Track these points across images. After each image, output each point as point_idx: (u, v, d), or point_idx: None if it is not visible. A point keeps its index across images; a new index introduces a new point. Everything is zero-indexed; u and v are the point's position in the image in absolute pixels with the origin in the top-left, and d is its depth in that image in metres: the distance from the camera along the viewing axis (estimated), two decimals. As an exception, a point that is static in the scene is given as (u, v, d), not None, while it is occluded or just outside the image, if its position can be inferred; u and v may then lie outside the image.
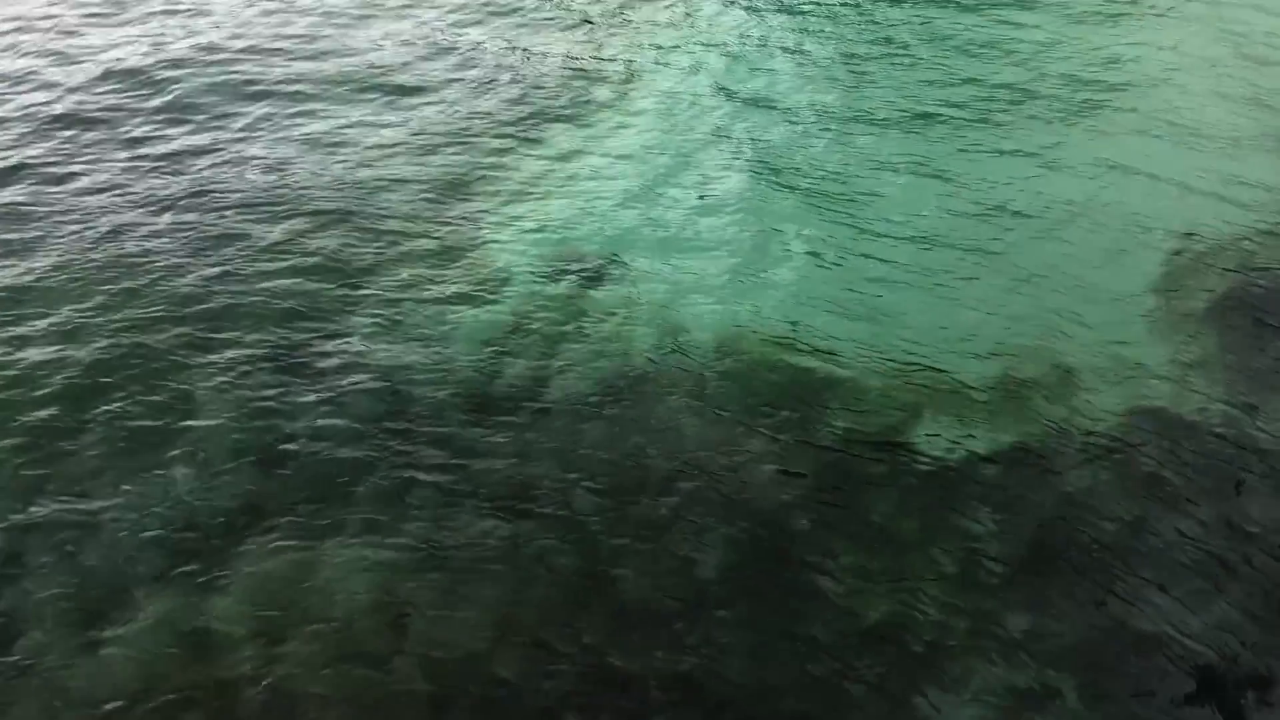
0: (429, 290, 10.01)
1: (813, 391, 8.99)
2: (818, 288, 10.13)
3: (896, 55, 14.42)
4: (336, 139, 12.47)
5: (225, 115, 12.88)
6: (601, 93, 13.51)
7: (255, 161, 12.00)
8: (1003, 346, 9.47)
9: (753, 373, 9.16)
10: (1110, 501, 8.04)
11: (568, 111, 13.06)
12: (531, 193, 11.50)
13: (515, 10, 15.79)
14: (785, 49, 14.61)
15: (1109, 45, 14.59)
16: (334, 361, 9.15)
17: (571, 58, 14.36)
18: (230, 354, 9.18)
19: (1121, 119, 12.94)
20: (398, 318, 9.68)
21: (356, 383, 8.92)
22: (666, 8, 15.83)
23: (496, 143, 12.39)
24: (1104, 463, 8.36)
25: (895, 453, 8.43)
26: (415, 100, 13.28)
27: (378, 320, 9.63)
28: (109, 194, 11.32)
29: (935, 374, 9.18)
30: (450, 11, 15.79)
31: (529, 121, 12.82)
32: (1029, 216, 11.16)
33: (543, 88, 13.57)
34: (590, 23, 15.41)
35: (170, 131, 12.53)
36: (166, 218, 10.96)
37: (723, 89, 13.60)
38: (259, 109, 12.99)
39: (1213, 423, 8.74)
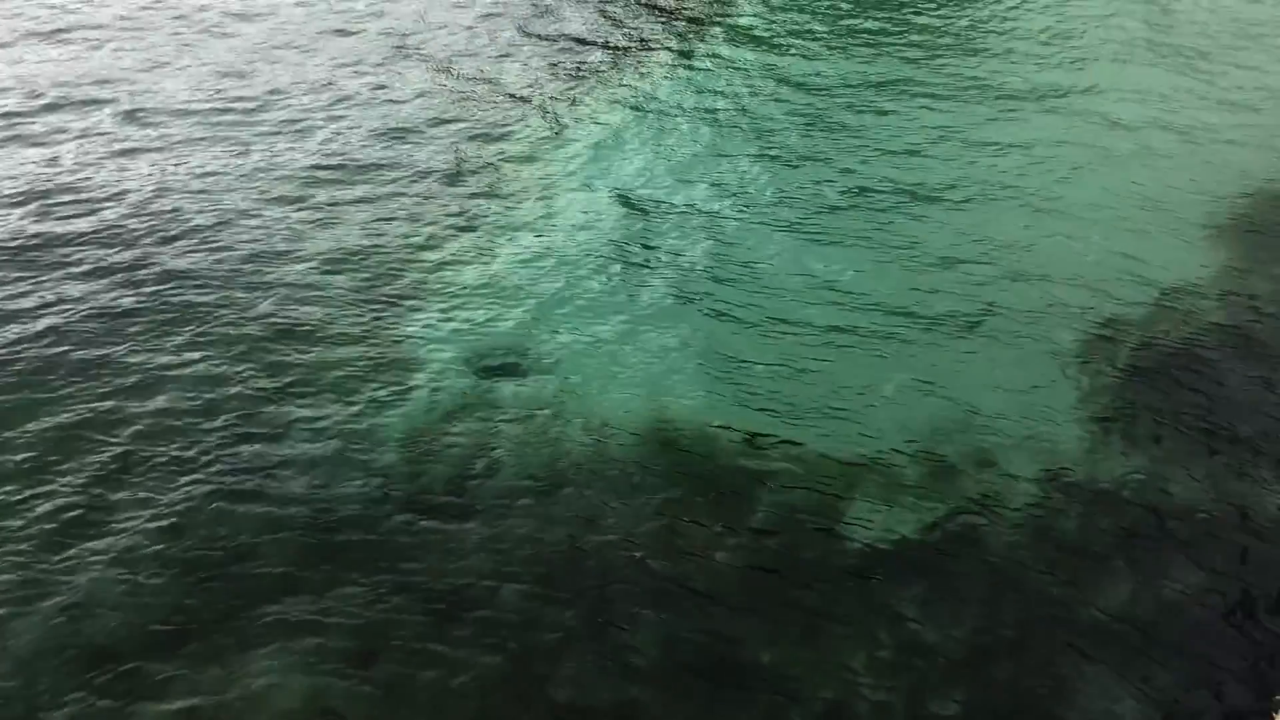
0: (351, 389, 9.85)
1: (739, 478, 9.01)
2: (740, 374, 10.19)
3: (813, 146, 14.55)
4: (250, 232, 12.16)
5: (133, 211, 12.35)
6: (522, 186, 13.38)
7: (162, 253, 11.64)
8: (924, 426, 9.59)
9: (680, 462, 9.16)
10: (1037, 575, 8.16)
11: (488, 206, 12.91)
12: (452, 288, 11.37)
13: (433, 100, 15.40)
14: (701, 145, 14.63)
15: (1020, 130, 15.02)
16: (255, 463, 8.96)
17: (490, 151, 14.18)
18: (149, 458, 8.94)
19: (1027, 198, 13.23)
20: (320, 416, 9.49)
21: (279, 485, 8.75)
22: (587, 102, 15.67)
23: (416, 238, 12.22)
24: (1028, 536, 8.50)
25: (824, 536, 8.46)
26: (333, 191, 13.03)
27: (299, 420, 9.44)
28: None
29: (859, 455, 9.26)
30: (371, 105, 15.27)
31: (449, 216, 12.65)
32: (943, 296, 11.32)
33: (463, 183, 13.40)
34: (508, 115, 15.15)
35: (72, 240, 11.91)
36: (81, 308, 10.62)
37: (640, 182, 13.56)
38: (164, 201, 12.52)
39: (1130, 490, 8.96)
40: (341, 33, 17.87)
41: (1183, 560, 8.31)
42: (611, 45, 17.64)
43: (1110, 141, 14.82)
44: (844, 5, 19.39)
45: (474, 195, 13.08)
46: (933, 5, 19.43)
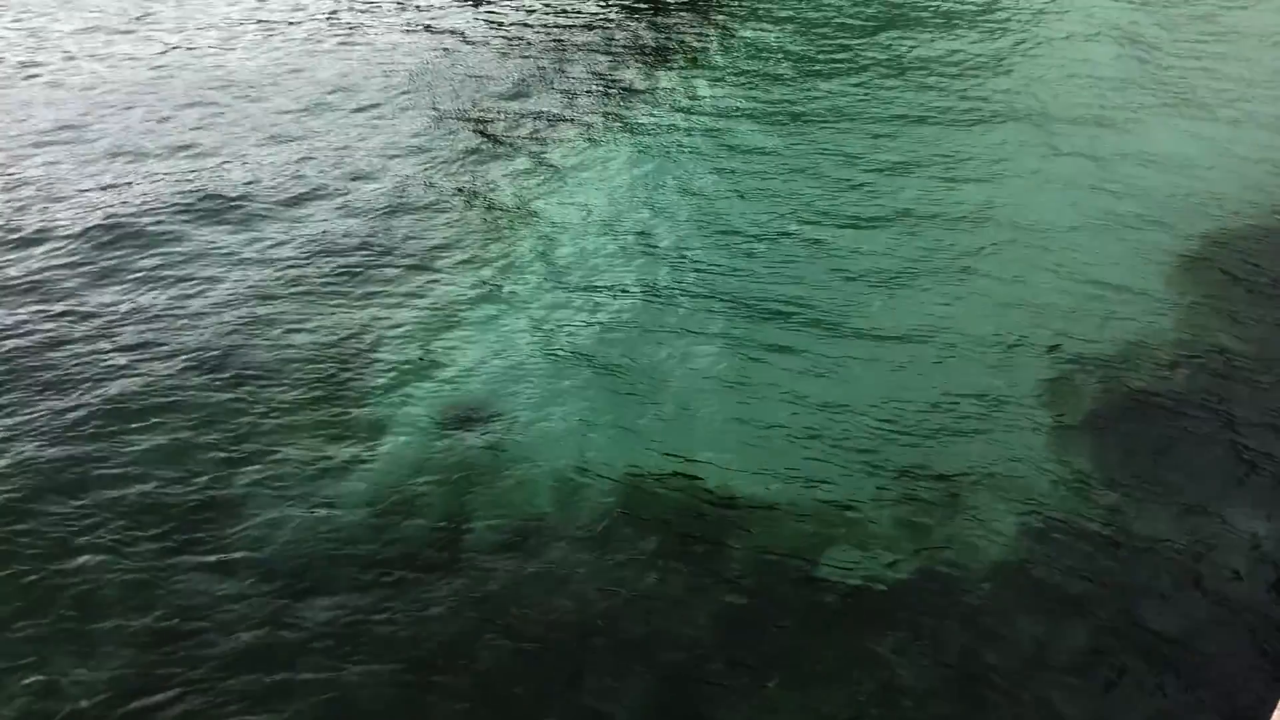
0: (315, 448, 9.71)
1: (715, 527, 8.96)
2: (713, 423, 10.16)
3: (786, 186, 14.61)
4: (209, 280, 12.09)
5: (91, 261, 12.26)
6: (485, 238, 13.34)
7: (119, 306, 11.56)
8: (898, 468, 9.59)
9: (654, 512, 9.09)
10: (1015, 618, 8.13)
11: (451, 259, 12.86)
12: (416, 343, 11.30)
13: (398, 146, 15.39)
14: (662, 193, 14.65)
15: (983, 162, 15.14)
16: (217, 527, 8.80)
17: (454, 199, 14.17)
18: (106, 521, 8.78)
19: (990, 232, 13.33)
20: (283, 479, 9.34)
21: (239, 550, 8.59)
22: (548, 150, 15.71)
23: (380, 289, 12.18)
24: (1005, 578, 8.48)
25: (800, 584, 8.41)
26: (295, 242, 12.94)
27: (261, 481, 9.28)
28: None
29: (831, 500, 9.24)
30: (333, 149, 15.18)
31: (413, 268, 12.62)
32: (907, 333, 11.41)
33: (428, 232, 13.37)
34: (469, 164, 15.16)
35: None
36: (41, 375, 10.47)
37: (601, 233, 13.57)
38: (125, 257, 12.40)
39: (1101, 529, 8.98)
40: (301, 110, 17.85)
41: (1156, 601, 8.31)
42: (567, 95, 17.78)
43: (1076, 171, 15.11)
44: (807, 39, 19.79)
45: (437, 249, 13.05)
46: (896, 35, 19.79)
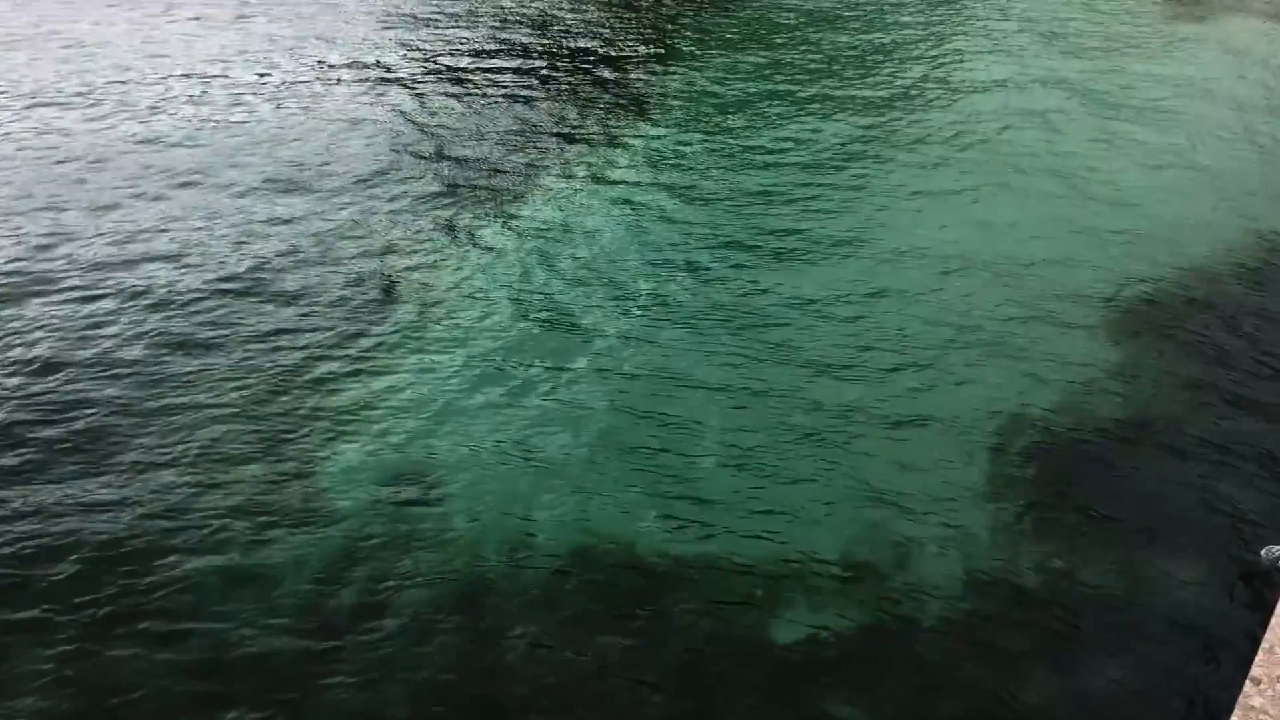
0: (255, 513, 9.56)
1: (662, 589, 8.92)
2: (658, 485, 10.14)
3: (724, 244, 14.74)
4: (144, 357, 11.81)
5: (27, 336, 11.94)
6: (427, 303, 13.27)
7: (45, 372, 11.24)
8: (840, 526, 9.65)
9: (600, 576, 9.04)
10: (961, 674, 8.19)
11: (395, 317, 12.79)
12: (355, 409, 11.17)
13: (329, 221, 15.20)
14: (601, 250, 14.72)
15: (926, 226, 15.35)
16: (149, 595, 8.61)
17: (393, 268, 14.07)
18: (42, 591, 8.57)
19: (927, 293, 13.55)
20: (222, 546, 9.19)
21: (176, 620, 8.39)
22: (485, 222, 15.67)
23: (316, 360, 11.99)
24: (950, 632, 8.56)
25: (749, 644, 8.39)
26: (229, 314, 12.72)
27: (203, 554, 9.11)
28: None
29: (777, 560, 9.25)
30: (274, 224, 14.98)
31: (351, 338, 12.47)
32: (847, 392, 11.51)
33: (366, 299, 13.25)
34: (410, 232, 15.04)
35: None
36: None
37: (542, 294, 13.60)
38: (49, 319, 12.12)
39: (1043, 581, 9.11)
40: (234, 164, 17.72)
41: (1099, 650, 8.44)
42: (510, 147, 17.85)
43: (1018, 214, 15.51)
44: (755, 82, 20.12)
45: (378, 315, 12.96)
46: (837, 83, 20.21)
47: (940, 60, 24.09)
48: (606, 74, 22.91)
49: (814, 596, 8.86)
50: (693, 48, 25.02)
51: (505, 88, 21.67)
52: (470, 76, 22.37)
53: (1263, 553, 8.98)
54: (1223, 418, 11.30)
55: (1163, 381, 11.94)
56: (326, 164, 17.40)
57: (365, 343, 12.35)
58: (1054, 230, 15.49)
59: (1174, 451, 10.76)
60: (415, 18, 27.34)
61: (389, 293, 13.47)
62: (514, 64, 23.41)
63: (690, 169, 17.60)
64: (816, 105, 20.78)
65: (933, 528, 9.63)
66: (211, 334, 12.39)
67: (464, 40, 25.22)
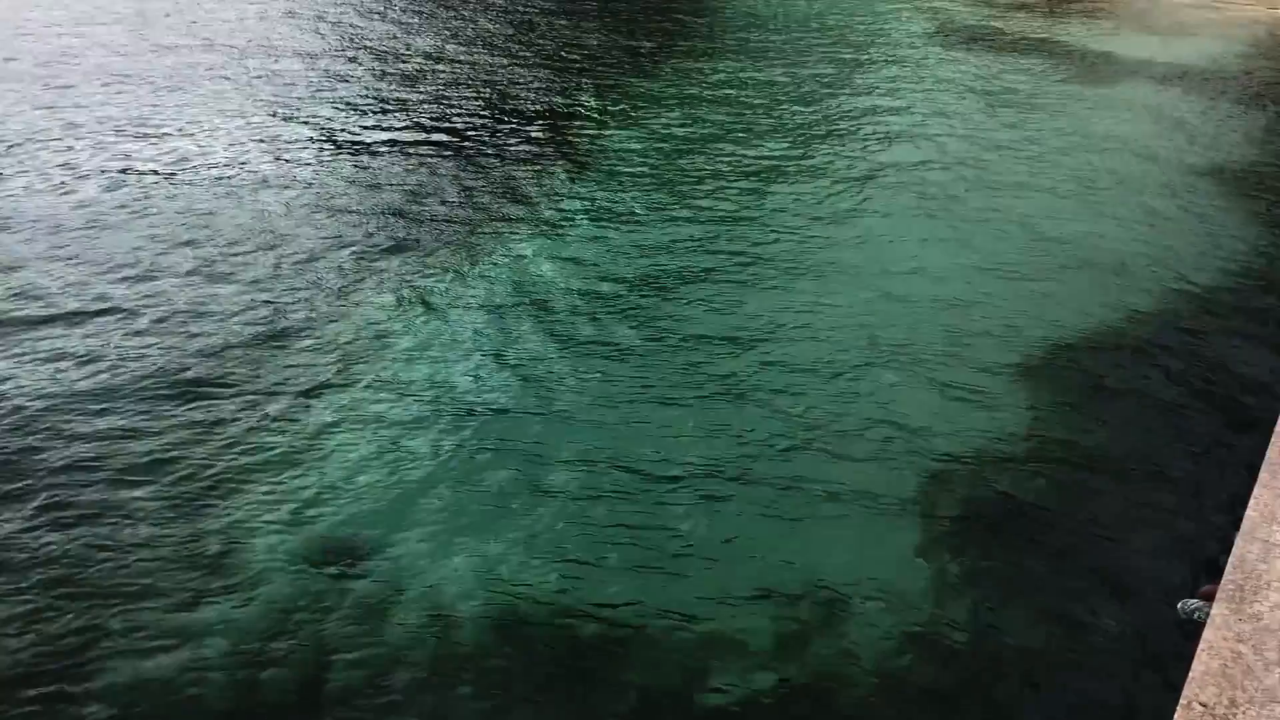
0: (172, 592, 9.24)
1: (593, 656, 8.84)
2: (589, 548, 10.07)
3: (649, 298, 14.82)
4: (56, 410, 11.43)
5: None
6: (349, 360, 13.09)
7: None
8: (772, 586, 9.66)
9: (531, 645, 8.94)
10: None
11: (317, 380, 12.55)
12: (278, 479, 10.90)
13: (248, 279, 14.95)
14: (531, 315, 14.67)
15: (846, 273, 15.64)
16: (62, 687, 8.23)
17: (320, 325, 13.83)
18: None
19: (851, 343, 13.75)
20: (138, 628, 8.82)
21: (91, 710, 8.06)
22: (420, 281, 15.58)
23: (235, 423, 11.71)
24: (883, 695, 8.60)
25: (682, 709, 8.34)
26: (153, 386, 12.34)
27: (116, 639, 8.74)
28: None
29: (710, 621, 9.24)
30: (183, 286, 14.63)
31: (278, 396, 12.23)
32: (770, 447, 11.62)
33: (294, 360, 12.99)
34: (341, 291, 14.85)
35: None
36: None
37: (477, 345, 13.52)
38: None
39: (974, 633, 9.22)
40: (153, 238, 17.42)
41: (1023, 702, 8.57)
42: (435, 222, 17.82)
43: (940, 280, 15.83)
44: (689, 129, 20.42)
45: (297, 374, 12.74)
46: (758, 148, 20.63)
47: (870, 109, 24.71)
48: (542, 125, 23.05)
49: (747, 658, 8.84)
50: (633, 91, 25.31)
51: (436, 140, 21.67)
52: (398, 131, 22.33)
53: (1179, 606, 9.21)
54: (1143, 468, 11.64)
55: (1083, 430, 12.28)
56: (252, 221, 17.19)
57: (292, 403, 12.12)
58: (970, 276, 15.95)
59: (1094, 502, 11.05)
60: (339, 73, 27.25)
61: (319, 353, 13.26)
62: (445, 113, 23.43)
63: (628, 218, 17.74)
64: (750, 158, 21.15)
65: (861, 580, 9.72)
66: (132, 388, 12.08)
67: (394, 93, 25.20)
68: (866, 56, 31.95)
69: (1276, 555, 3.46)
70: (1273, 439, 4.14)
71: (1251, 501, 3.78)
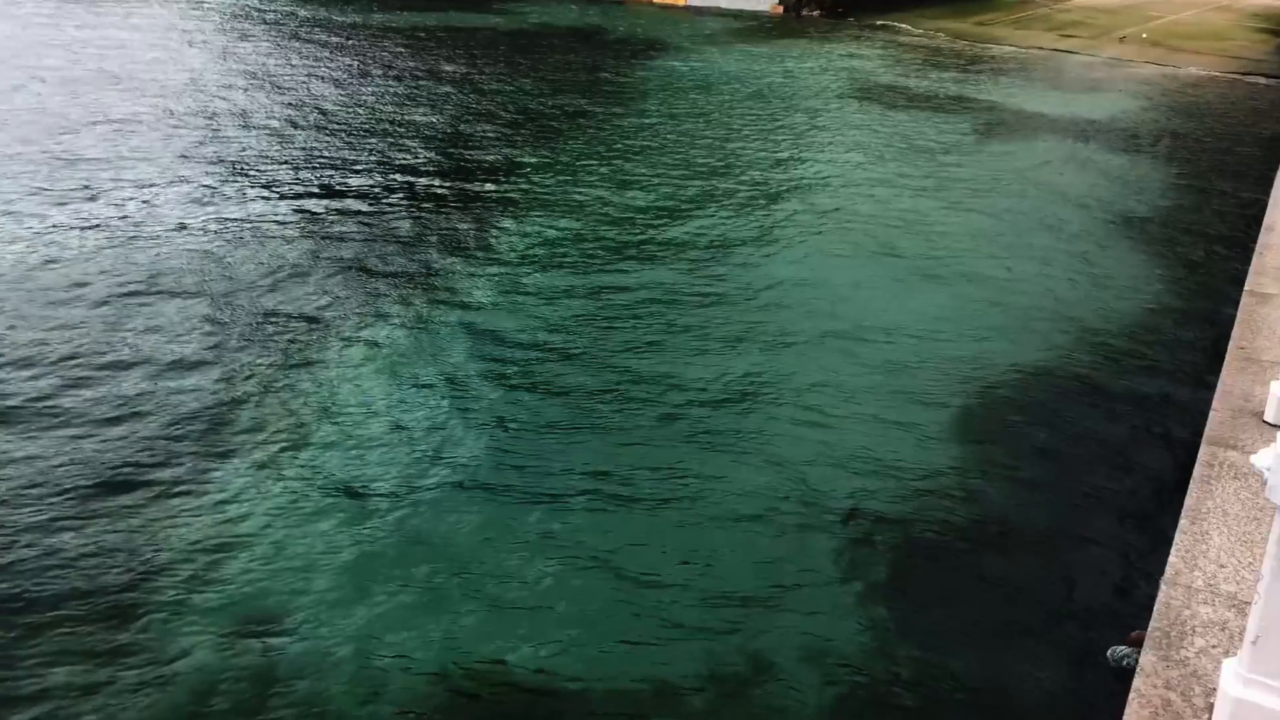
0: (87, 676, 8.83)
1: (518, 714, 8.69)
2: (514, 615, 9.89)
3: (567, 370, 14.76)
4: None
5: None
6: (269, 431, 12.82)
7: None
8: (702, 645, 9.56)
9: (464, 714, 8.75)
10: None
11: (234, 452, 12.23)
12: (196, 548, 10.54)
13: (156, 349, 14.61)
14: (461, 372, 14.54)
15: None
16: None
17: (236, 397, 13.58)
18: None
19: (767, 400, 13.78)
20: (47, 705, 8.45)
21: None
22: (334, 346, 15.40)
23: (152, 493, 11.32)
24: None
25: None
26: (68, 474, 11.92)
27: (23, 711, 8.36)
28: None
29: (649, 683, 9.10)
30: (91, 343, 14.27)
31: (191, 467, 11.87)
32: (707, 509, 11.53)
33: (202, 430, 12.68)
34: (258, 361, 14.55)
35: None
36: None
37: (398, 415, 13.32)
38: None
39: (898, 694, 9.18)
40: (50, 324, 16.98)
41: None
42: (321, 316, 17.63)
43: (847, 335, 15.94)
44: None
45: (213, 445, 12.41)
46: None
47: (791, 161, 25.13)
48: (473, 182, 23.03)
49: (682, 717, 8.69)
50: (556, 153, 25.43)
51: (362, 199, 21.51)
52: (332, 190, 22.14)
53: (1109, 653, 9.28)
54: (1067, 514, 11.80)
55: (1005, 476, 12.44)
56: (154, 290, 16.82)
57: (206, 475, 11.78)
58: (893, 322, 16.19)
59: (1024, 550, 11.16)
60: (255, 123, 27.00)
61: (234, 426, 12.93)
62: (375, 171, 23.30)
63: (557, 275, 17.72)
64: (678, 209, 21.33)
65: (790, 630, 9.67)
66: (43, 465, 11.63)
67: (329, 150, 25.02)
68: (787, 113, 32.61)
69: (1200, 601, 3.46)
70: (1191, 484, 4.18)
71: (1174, 548, 3.79)
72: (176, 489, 11.50)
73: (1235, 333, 5.68)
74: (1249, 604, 3.36)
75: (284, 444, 12.52)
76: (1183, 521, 3.91)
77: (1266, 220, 8.01)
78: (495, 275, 18.32)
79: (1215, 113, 34.70)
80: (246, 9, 48.72)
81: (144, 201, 20.90)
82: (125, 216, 19.94)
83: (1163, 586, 3.63)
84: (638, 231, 20.92)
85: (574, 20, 51.32)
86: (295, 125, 28.18)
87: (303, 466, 12.08)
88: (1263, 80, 39.34)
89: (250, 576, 10.22)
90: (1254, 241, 7.65)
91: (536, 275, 18.49)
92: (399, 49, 41.07)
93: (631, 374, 14.68)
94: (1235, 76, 40.38)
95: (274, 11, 48.29)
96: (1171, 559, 3.69)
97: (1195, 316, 17.37)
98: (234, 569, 10.30)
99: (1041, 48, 45.89)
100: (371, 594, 10.03)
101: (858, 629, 9.86)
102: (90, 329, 15.11)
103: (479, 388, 14.24)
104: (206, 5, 49.27)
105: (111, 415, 12.83)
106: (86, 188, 21.59)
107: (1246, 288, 6.39)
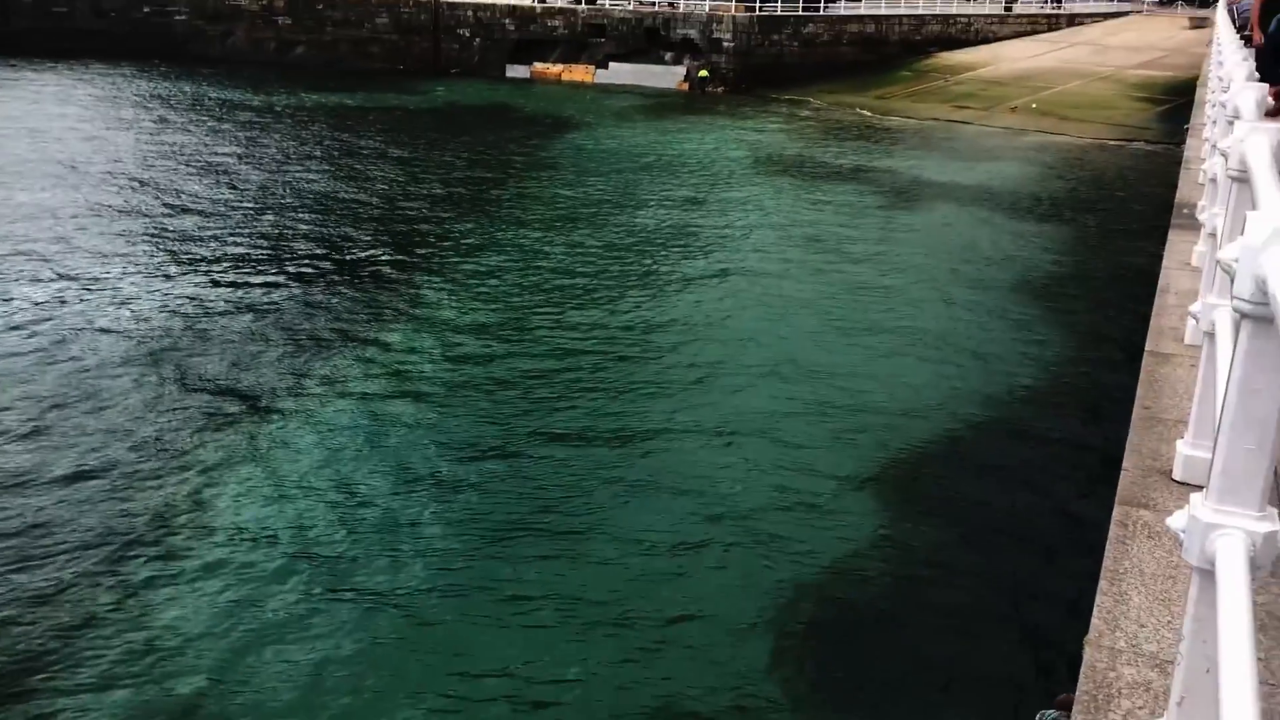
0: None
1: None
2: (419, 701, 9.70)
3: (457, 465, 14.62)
4: None
5: None
6: (180, 515, 12.48)
7: None
8: (635, 710, 9.50)
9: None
10: None
11: (152, 553, 11.84)
12: (123, 645, 10.20)
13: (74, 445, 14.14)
14: (374, 462, 14.31)
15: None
16: None
17: (151, 494, 13.17)
18: None
19: (700, 478, 13.77)
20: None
21: None
22: (248, 432, 15.11)
23: (57, 598, 10.91)
24: None
25: None
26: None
27: None
28: None
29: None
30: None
31: (104, 566, 11.48)
32: (627, 568, 11.46)
33: (120, 531, 12.21)
34: (175, 452, 14.13)
35: None
36: None
37: (317, 491, 13.08)
38: None
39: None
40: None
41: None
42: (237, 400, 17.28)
43: (778, 392, 16.00)
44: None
45: (136, 548, 11.95)
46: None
47: (700, 229, 25.44)
48: (391, 254, 22.85)
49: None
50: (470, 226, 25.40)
51: (274, 274, 21.17)
52: (243, 265, 21.74)
53: (1037, 717, 9.30)
54: (990, 576, 11.92)
55: (929, 539, 12.55)
56: (50, 384, 16.27)
57: (118, 572, 11.34)
58: (804, 386, 16.36)
59: (944, 613, 11.21)
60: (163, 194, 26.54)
61: (149, 523, 12.48)
62: (288, 246, 22.98)
63: (475, 348, 17.57)
64: (594, 278, 21.40)
65: (711, 710, 9.54)
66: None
67: (243, 227, 24.64)
68: (697, 184, 33.19)
69: (1124, 662, 3.50)
70: (1107, 545, 4.26)
71: (1095, 609, 3.84)
72: (83, 574, 11.04)
73: (1139, 392, 5.85)
74: (1171, 663, 3.41)
75: (184, 520, 12.13)
76: (1102, 583, 3.96)
77: (1161, 282, 8.33)
78: (415, 340, 18.20)
79: (1105, 178, 36.27)
80: (163, 92, 48.26)
81: (65, 288, 20.29)
82: (39, 303, 19.35)
83: (1087, 649, 3.66)
84: (552, 296, 20.99)
85: (485, 98, 51.78)
86: (226, 205, 27.98)
87: (215, 553, 11.68)
88: (1145, 146, 41.30)
89: (166, 669, 9.79)
90: (1150, 302, 7.93)
91: (456, 339, 18.41)
92: (320, 128, 41.06)
93: (549, 429, 14.76)
94: (1120, 143, 42.35)
95: (190, 93, 47.96)
96: (1094, 620, 3.72)
97: (1099, 375, 17.91)
98: (147, 663, 9.88)
99: (938, 119, 47.63)
100: (286, 668, 9.68)
101: (771, 694, 9.78)
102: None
103: (400, 446, 14.14)
104: (122, 87, 48.68)
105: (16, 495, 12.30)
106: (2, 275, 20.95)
107: (1147, 348, 6.60)
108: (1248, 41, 15.82)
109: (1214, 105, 14.63)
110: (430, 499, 13.10)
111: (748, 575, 11.60)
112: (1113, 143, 42.51)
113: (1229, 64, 12.09)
